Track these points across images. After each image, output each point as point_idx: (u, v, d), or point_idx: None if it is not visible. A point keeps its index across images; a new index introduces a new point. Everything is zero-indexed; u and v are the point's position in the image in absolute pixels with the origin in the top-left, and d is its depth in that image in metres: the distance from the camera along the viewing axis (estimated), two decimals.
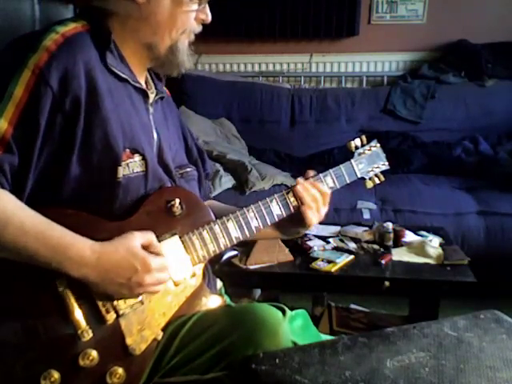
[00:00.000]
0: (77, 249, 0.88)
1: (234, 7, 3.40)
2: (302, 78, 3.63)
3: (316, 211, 1.14)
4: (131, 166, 0.98)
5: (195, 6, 1.03)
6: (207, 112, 3.31)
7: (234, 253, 1.95)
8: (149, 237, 0.95)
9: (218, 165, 2.83)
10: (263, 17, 3.50)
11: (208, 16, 1.06)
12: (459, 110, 3.27)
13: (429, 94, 3.27)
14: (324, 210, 1.16)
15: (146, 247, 0.93)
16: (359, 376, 0.85)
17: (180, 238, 1.01)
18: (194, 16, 1.04)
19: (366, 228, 2.21)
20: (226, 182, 2.74)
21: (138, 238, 0.93)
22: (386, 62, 3.57)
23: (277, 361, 0.89)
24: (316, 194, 1.13)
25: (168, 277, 0.97)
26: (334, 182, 1.19)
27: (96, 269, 0.89)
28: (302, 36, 3.53)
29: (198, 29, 1.08)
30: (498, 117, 3.24)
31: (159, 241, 0.98)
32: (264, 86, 3.45)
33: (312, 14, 3.47)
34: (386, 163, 1.29)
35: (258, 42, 3.61)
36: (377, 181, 1.28)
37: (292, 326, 1.01)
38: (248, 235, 1.09)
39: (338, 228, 2.25)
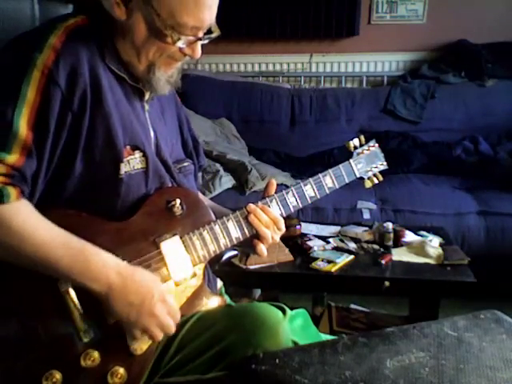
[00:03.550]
0: (101, 260, 0.89)
1: (234, 7, 3.39)
2: (302, 78, 3.62)
3: (269, 239, 1.09)
4: (132, 163, 0.98)
5: (179, 43, 0.94)
6: (207, 112, 3.30)
7: (234, 253, 1.95)
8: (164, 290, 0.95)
9: (217, 165, 2.83)
10: (263, 17, 3.50)
11: (195, 53, 0.97)
12: (459, 110, 3.27)
13: (429, 93, 3.27)
14: (278, 235, 1.11)
15: None
16: (359, 376, 0.85)
17: (180, 238, 1.01)
18: (178, 48, 0.96)
19: (366, 228, 2.20)
20: (226, 182, 2.73)
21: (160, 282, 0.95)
22: (386, 62, 3.57)
23: (277, 361, 0.89)
24: (268, 221, 1.08)
25: (172, 326, 0.95)
26: (333, 182, 1.19)
27: (117, 279, 0.89)
28: (302, 36, 3.53)
29: (184, 59, 1.01)
30: (498, 117, 3.23)
31: (160, 241, 0.98)
32: (264, 86, 3.44)
33: (312, 14, 3.47)
34: (385, 163, 1.30)
35: (258, 41, 3.61)
36: (375, 180, 1.28)
37: (292, 326, 1.02)
38: (248, 235, 1.09)
39: (338, 228, 2.25)
